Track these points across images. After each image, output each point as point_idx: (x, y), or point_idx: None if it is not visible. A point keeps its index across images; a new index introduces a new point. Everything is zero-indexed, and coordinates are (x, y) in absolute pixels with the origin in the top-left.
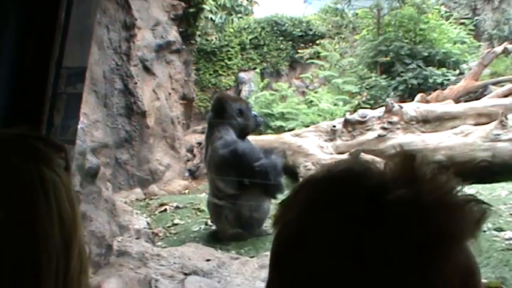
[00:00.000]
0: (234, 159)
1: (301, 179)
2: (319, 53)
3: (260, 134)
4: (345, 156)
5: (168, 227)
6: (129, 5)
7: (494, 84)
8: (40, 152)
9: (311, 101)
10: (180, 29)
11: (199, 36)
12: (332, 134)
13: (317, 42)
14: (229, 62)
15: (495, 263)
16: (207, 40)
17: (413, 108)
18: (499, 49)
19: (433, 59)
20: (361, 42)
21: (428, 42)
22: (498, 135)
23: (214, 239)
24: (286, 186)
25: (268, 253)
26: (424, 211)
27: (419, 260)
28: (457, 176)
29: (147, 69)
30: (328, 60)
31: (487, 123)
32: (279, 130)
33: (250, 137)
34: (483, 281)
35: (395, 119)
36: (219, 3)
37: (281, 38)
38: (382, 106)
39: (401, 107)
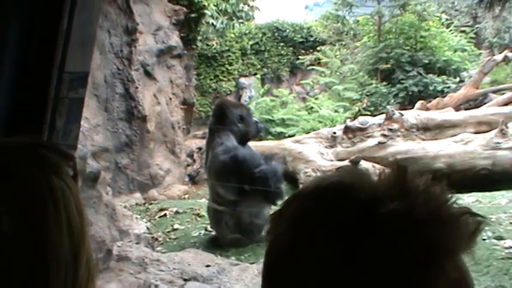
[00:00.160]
0: (235, 165)
1: (301, 186)
2: (319, 59)
3: (261, 140)
4: (345, 163)
5: (168, 232)
6: (131, 10)
7: (495, 92)
8: (49, 160)
9: (311, 108)
10: (182, 34)
11: (200, 41)
12: (332, 141)
13: (318, 48)
14: (230, 67)
15: (495, 272)
16: (208, 45)
17: (413, 115)
18: (499, 57)
19: (434, 67)
20: (362, 49)
21: (429, 49)
22: (498, 143)
23: (214, 245)
24: (287, 192)
25: None
26: (417, 224)
27: (412, 275)
28: (452, 187)
29: (148, 74)
30: (329, 67)
31: (487, 132)
32: (280, 136)
33: (251, 143)
34: None
35: (395, 126)
36: (220, 8)
37: (282, 44)
38: (382, 113)
39: (402, 115)
